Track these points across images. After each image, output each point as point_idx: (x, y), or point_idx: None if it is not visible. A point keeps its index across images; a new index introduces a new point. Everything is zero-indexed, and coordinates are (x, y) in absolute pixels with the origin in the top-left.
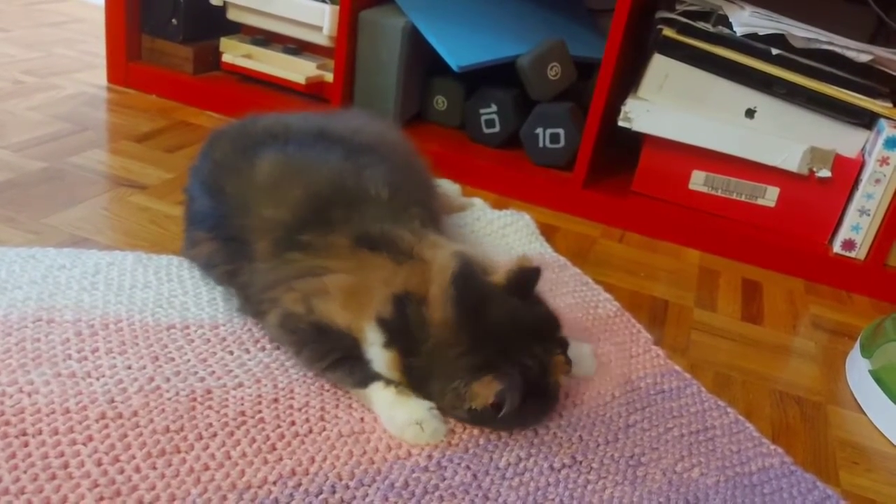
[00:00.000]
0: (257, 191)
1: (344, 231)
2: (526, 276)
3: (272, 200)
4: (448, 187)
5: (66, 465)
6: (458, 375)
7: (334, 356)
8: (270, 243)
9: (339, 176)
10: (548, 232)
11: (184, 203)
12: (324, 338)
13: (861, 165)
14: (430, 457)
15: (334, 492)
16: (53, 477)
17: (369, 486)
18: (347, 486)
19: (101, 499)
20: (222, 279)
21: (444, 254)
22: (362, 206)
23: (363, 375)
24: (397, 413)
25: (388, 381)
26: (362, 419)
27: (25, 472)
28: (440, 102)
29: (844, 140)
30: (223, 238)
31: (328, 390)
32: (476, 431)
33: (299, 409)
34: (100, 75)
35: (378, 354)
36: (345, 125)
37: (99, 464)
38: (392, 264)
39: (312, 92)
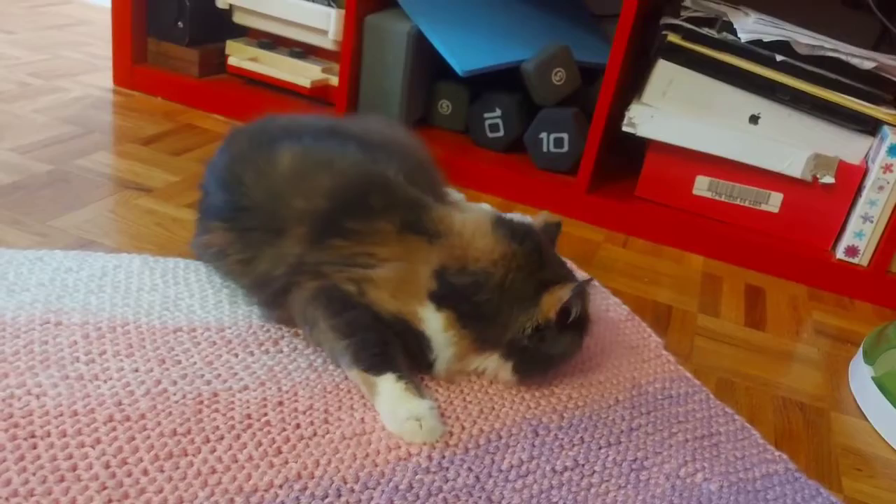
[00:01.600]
0: (282, 182)
1: (389, 217)
2: (549, 230)
3: (301, 191)
4: (453, 195)
5: (74, 468)
6: (524, 295)
7: (360, 336)
8: (307, 231)
9: (362, 165)
10: None
11: (200, 198)
12: (353, 318)
13: (864, 172)
14: (430, 457)
15: (340, 495)
16: (62, 479)
17: (374, 488)
18: (352, 490)
19: (110, 501)
20: (232, 269)
21: (470, 218)
22: (395, 189)
23: (379, 363)
24: (400, 407)
25: (401, 376)
26: (363, 419)
27: (34, 474)
28: (445, 107)
29: (848, 147)
30: (239, 229)
31: (331, 392)
32: (476, 432)
33: (304, 412)
34: (106, 78)
35: (433, 320)
36: (356, 125)
37: (107, 466)
38: (428, 245)
39: (318, 95)
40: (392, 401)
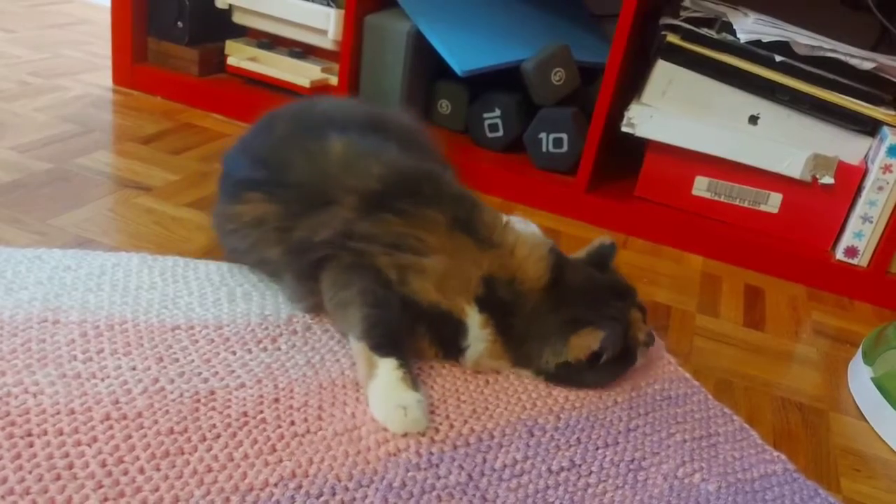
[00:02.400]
0: (334, 165)
1: (441, 208)
2: (603, 251)
3: (354, 173)
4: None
5: (70, 466)
6: (553, 332)
7: (382, 311)
8: (359, 201)
9: (411, 160)
10: (551, 236)
11: (222, 173)
12: (387, 296)
13: (864, 173)
14: (418, 453)
15: (334, 493)
16: (58, 478)
17: (367, 486)
18: (347, 488)
19: (106, 500)
20: (267, 237)
21: (527, 238)
22: (443, 185)
23: (386, 344)
24: (390, 395)
25: (402, 364)
26: (353, 414)
27: (30, 472)
28: (444, 106)
29: (847, 147)
30: (282, 201)
31: (326, 388)
32: (465, 431)
33: (298, 409)
34: (105, 77)
35: (474, 317)
36: (393, 120)
37: (103, 465)
38: (477, 249)
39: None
40: (385, 387)
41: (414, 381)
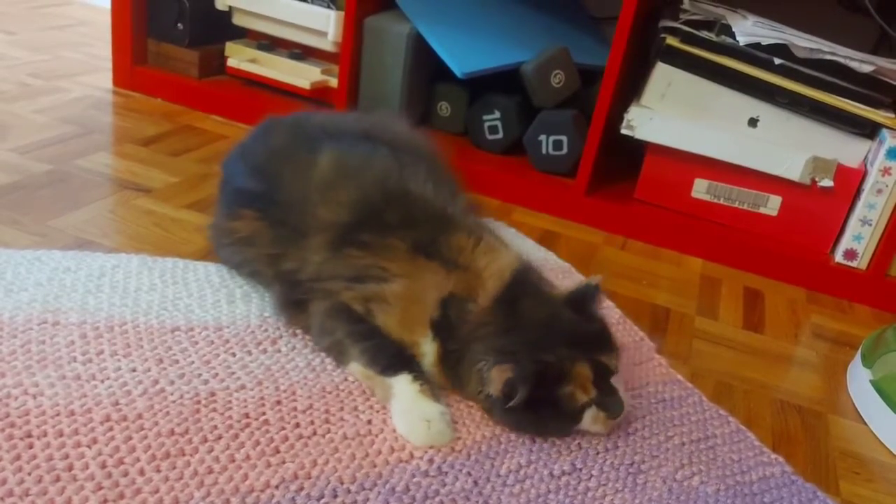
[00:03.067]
0: (314, 189)
1: (401, 235)
2: (583, 292)
3: (329, 202)
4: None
5: (70, 468)
6: (484, 357)
7: (375, 341)
8: (327, 240)
9: (389, 178)
10: (550, 238)
11: (222, 179)
12: (370, 326)
13: (863, 175)
14: (431, 461)
15: (335, 496)
16: (58, 479)
17: (370, 489)
18: (349, 491)
19: (105, 501)
20: (258, 258)
21: (503, 259)
22: (415, 208)
23: (394, 364)
24: (412, 408)
25: (416, 376)
26: (369, 421)
27: (30, 474)
28: (444, 109)
29: (846, 150)
30: (271, 221)
31: (330, 392)
32: (479, 437)
33: (303, 412)
34: (106, 79)
35: (429, 353)
36: (387, 129)
37: (103, 466)
38: (444, 271)
39: (317, 97)
40: (406, 401)
41: (434, 391)
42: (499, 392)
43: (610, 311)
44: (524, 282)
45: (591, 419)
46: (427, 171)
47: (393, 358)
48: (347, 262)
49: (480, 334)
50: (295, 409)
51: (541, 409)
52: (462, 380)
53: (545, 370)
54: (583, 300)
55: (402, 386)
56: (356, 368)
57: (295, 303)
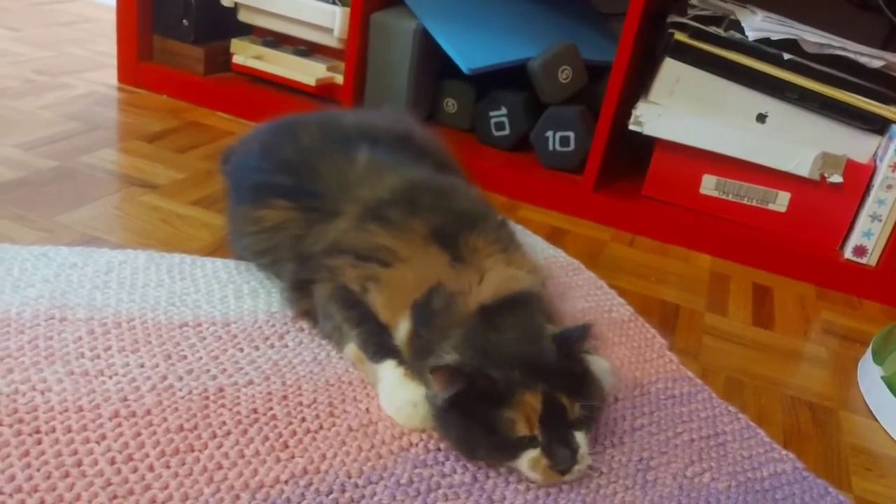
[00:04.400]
0: (357, 177)
1: (427, 218)
2: (571, 332)
3: (371, 184)
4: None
5: (79, 464)
6: (438, 353)
7: (367, 327)
8: (360, 210)
9: (433, 173)
10: (558, 235)
11: (234, 176)
12: (364, 311)
13: (873, 171)
14: (426, 448)
15: (344, 490)
16: (66, 475)
17: (377, 483)
18: (357, 485)
19: (114, 497)
20: (282, 242)
21: (515, 275)
22: (451, 199)
23: (381, 351)
24: (398, 393)
25: (401, 362)
26: (368, 409)
27: (38, 470)
28: (450, 105)
29: (856, 145)
30: (305, 208)
31: (333, 385)
32: None
33: (308, 406)
34: (111, 75)
35: (402, 328)
36: (424, 136)
37: (112, 462)
38: (447, 264)
39: (323, 94)
40: (391, 386)
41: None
42: (435, 388)
43: (621, 307)
44: (522, 303)
45: (530, 462)
46: (459, 175)
47: (381, 345)
48: (364, 238)
49: (452, 334)
50: (301, 403)
51: (475, 426)
52: (420, 365)
53: (484, 382)
54: (569, 339)
55: (388, 371)
56: (352, 351)
57: (302, 284)
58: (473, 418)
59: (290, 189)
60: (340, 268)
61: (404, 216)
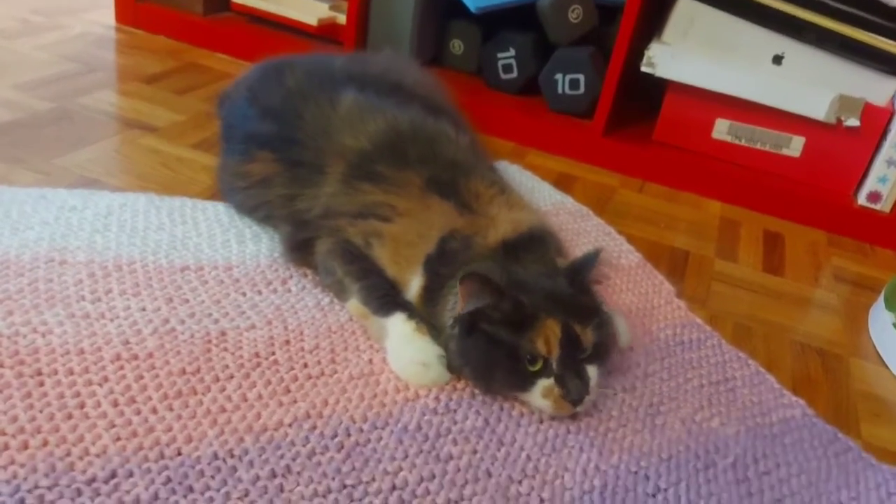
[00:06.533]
0: (339, 120)
1: (418, 170)
2: (581, 262)
3: (353, 130)
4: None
5: (82, 405)
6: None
7: (370, 281)
8: (345, 168)
9: (419, 119)
10: (566, 181)
11: (225, 124)
12: (367, 265)
13: (891, 115)
14: (437, 399)
15: (349, 434)
16: (70, 416)
17: (382, 428)
18: (361, 429)
19: (118, 439)
20: (273, 201)
21: (523, 214)
22: (439, 147)
23: (388, 304)
24: (407, 349)
25: (411, 315)
26: (371, 360)
27: (41, 411)
28: (457, 46)
29: (874, 88)
30: (289, 162)
31: (335, 332)
32: None
33: (310, 351)
34: (108, 15)
35: (415, 283)
36: (418, 83)
37: (115, 404)
38: (455, 213)
39: (325, 34)
40: (400, 341)
41: (430, 330)
42: (463, 305)
43: (630, 255)
44: (538, 239)
45: (542, 390)
46: (453, 121)
47: (387, 297)
48: (357, 198)
49: (477, 263)
50: (303, 348)
51: (497, 350)
52: (438, 309)
53: (511, 302)
54: (579, 270)
55: (397, 326)
56: (354, 305)
57: (302, 243)
58: (493, 343)
59: (273, 137)
60: (341, 227)
61: (394, 170)
